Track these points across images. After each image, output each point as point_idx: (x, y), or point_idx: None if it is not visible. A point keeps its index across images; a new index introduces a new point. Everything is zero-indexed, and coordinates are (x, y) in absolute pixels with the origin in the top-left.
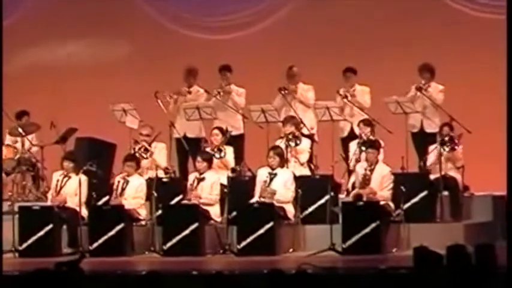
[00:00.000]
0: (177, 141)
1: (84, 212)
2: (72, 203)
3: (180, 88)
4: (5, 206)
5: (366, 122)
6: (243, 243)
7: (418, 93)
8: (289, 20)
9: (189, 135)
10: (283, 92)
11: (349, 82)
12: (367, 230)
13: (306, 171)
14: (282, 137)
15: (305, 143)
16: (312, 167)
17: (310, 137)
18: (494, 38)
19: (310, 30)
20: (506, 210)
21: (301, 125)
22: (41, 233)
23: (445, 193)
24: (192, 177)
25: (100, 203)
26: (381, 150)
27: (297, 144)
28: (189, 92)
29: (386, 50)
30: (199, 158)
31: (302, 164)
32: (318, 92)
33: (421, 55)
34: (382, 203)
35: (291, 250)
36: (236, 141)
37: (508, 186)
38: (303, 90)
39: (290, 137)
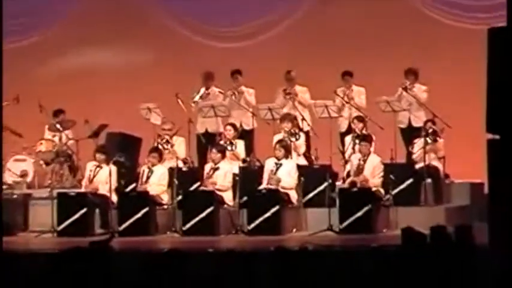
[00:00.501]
0: (197, 136)
1: (114, 198)
2: (103, 189)
3: (199, 89)
4: (45, 192)
5: (359, 119)
6: (253, 225)
7: (404, 93)
8: (289, 31)
9: (210, 130)
10: (287, 95)
11: (347, 83)
12: (361, 213)
13: (303, 161)
14: (281, 132)
15: (302, 138)
16: (313, 157)
17: (306, 131)
18: (470, 45)
19: (308, 39)
20: (488, 195)
21: (297, 121)
22: (76, 215)
23: (429, 180)
24: (208, 166)
25: (128, 189)
26: (373, 143)
27: (296, 139)
28: (208, 94)
29: (376, 56)
30: (214, 150)
31: (300, 155)
32: (317, 91)
33: (407, 60)
34: (373, 189)
35: (294, 230)
36: (247, 136)
37: (488, 173)
38: (300, 92)
39: (292, 132)
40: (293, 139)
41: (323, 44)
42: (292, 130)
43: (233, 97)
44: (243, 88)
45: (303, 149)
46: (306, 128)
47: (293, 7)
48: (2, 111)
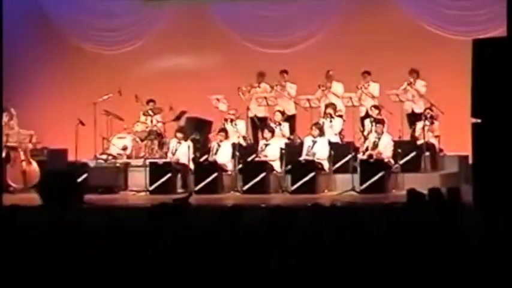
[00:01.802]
0: (251, 119)
1: (191, 166)
2: (183, 159)
3: (254, 84)
4: (140, 161)
5: (375, 107)
6: (295, 186)
7: (408, 87)
8: (324, 40)
9: (259, 115)
10: (322, 88)
11: (365, 80)
12: (376, 177)
13: (337, 139)
14: (322, 116)
15: (338, 120)
16: (341, 136)
17: (340, 116)
18: (459, 51)
19: (339, 46)
20: (472, 164)
21: (337, 108)
22: (163, 179)
23: (427, 153)
24: (261, 143)
25: (201, 159)
26: (385, 125)
27: (331, 121)
28: (259, 87)
29: (389, 58)
30: (266, 130)
31: (336, 134)
32: (346, 86)
33: (411, 62)
34: (385, 160)
35: (326, 191)
36: (290, 119)
37: (473, 148)
38: (335, 86)
39: (331, 115)
40: (329, 121)
41: (350, 49)
42: (328, 115)
43: (275, 87)
44: (288, 83)
45: (337, 129)
46: (338, 113)
47: (326, 23)
48: (2, 109)
